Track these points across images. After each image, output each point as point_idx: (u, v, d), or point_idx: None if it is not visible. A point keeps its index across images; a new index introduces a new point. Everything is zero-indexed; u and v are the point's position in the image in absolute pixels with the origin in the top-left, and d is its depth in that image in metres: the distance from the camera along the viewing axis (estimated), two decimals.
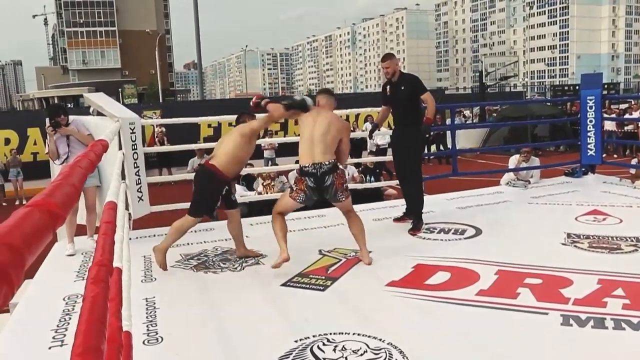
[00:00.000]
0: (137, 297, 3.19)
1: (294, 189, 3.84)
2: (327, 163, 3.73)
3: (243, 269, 3.91)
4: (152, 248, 3.93)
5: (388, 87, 4.98)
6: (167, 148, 9.43)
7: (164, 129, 12.86)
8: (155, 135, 12.98)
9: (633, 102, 15.76)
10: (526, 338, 2.69)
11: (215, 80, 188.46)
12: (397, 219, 5.04)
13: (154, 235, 4.92)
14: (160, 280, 3.69)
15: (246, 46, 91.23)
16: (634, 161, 7.69)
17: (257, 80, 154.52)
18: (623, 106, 17.06)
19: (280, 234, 3.79)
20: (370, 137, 5.71)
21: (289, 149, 12.14)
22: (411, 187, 4.92)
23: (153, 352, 2.63)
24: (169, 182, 11.32)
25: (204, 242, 4.63)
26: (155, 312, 3.11)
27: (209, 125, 13.40)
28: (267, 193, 6.89)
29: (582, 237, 4.35)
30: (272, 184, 7.14)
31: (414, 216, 4.81)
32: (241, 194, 7.10)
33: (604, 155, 7.23)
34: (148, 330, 2.87)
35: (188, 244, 4.59)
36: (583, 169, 7.00)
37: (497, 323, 2.88)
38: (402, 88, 4.84)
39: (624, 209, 5.23)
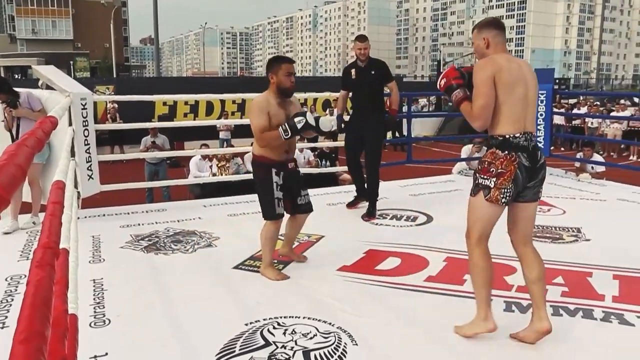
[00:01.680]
0: (84, 278, 3.13)
1: (490, 183, 2.43)
2: (535, 135, 2.57)
3: (195, 251, 3.88)
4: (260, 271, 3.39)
5: (353, 70, 4.84)
6: (121, 126, 9.19)
7: (116, 105, 12.52)
8: (108, 111, 12.62)
9: (581, 98, 16.34)
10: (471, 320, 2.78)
11: (172, 57, 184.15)
12: (350, 204, 5.08)
13: (104, 215, 4.83)
14: (109, 262, 3.62)
15: (205, 24, 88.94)
16: (579, 155, 7.99)
17: (216, 59, 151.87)
18: (572, 101, 17.65)
19: (485, 286, 2.56)
20: (342, 131, 5.16)
21: (245, 130, 12.13)
22: (373, 173, 4.89)
23: (100, 334, 2.59)
24: (121, 160, 11.10)
25: (156, 222, 4.56)
26: (103, 294, 3.06)
27: (164, 103, 13.10)
28: (221, 174, 6.83)
29: None
30: (227, 165, 7.08)
31: (369, 202, 4.86)
32: (195, 174, 7.03)
33: (552, 148, 7.48)
34: (95, 312, 2.82)
35: (139, 224, 4.53)
36: None
37: (444, 309, 2.96)
38: (372, 72, 4.77)
39: (567, 201, 5.45)
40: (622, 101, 17.84)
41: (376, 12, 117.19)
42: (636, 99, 17.82)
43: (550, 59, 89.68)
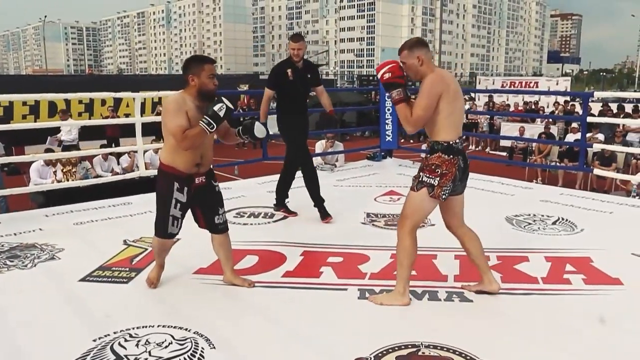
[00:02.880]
0: None
1: (434, 182, 2.80)
2: None
3: (35, 265, 3.54)
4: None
5: (289, 70, 4.56)
6: None
7: None
8: None
9: None
10: (328, 314, 2.85)
11: (7, 52, 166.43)
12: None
13: None
14: None
15: (45, 16, 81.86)
16: (424, 146, 8.61)
17: (60, 55, 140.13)
18: None
19: (409, 267, 2.90)
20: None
21: (94, 133, 11.30)
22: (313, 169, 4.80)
23: None
24: None
25: None
26: None
27: None
28: (67, 180, 6.31)
29: (379, 216, 4.74)
30: (74, 170, 6.56)
31: (321, 203, 4.70)
32: (35, 181, 6.43)
33: (402, 140, 7.96)
34: None
35: None
36: (382, 154, 7.64)
37: (302, 302, 3.01)
38: (309, 76, 4.64)
39: None
40: None
41: (231, 10, 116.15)
42: (472, 94, 19.61)
43: (399, 57, 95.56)
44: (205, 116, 2.79)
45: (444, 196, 2.82)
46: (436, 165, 2.80)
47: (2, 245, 3.92)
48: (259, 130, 3.03)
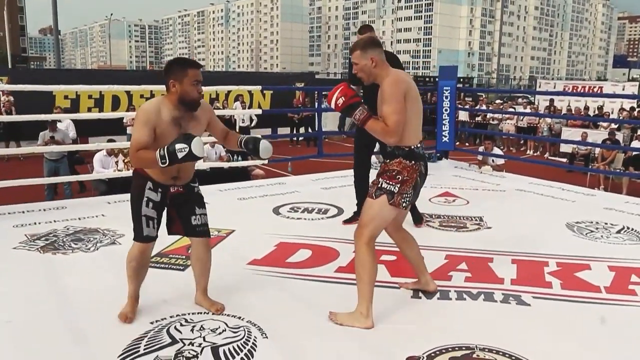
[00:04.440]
0: None
1: (394, 189, 2.61)
2: None
3: (97, 249, 3.68)
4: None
5: None
6: (14, 118, 8.55)
7: (12, 98, 11.65)
8: (2, 104, 11.73)
9: (484, 96, 17.25)
10: (380, 311, 2.81)
11: (75, 49, 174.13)
12: (349, 221, 4.49)
13: None
14: None
15: (111, 14, 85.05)
16: (481, 149, 8.42)
17: (123, 52, 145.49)
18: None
19: (370, 283, 2.66)
20: None
21: None
22: None
23: None
24: (17, 156, 10.37)
25: (54, 221, 4.29)
26: None
27: (66, 97, 12.35)
28: (128, 170, 6.52)
29: (433, 216, 4.67)
30: None
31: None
32: (98, 171, 6.68)
33: (457, 142, 7.82)
34: None
35: (35, 223, 4.24)
36: (438, 154, 7.52)
37: (354, 298, 2.97)
38: None
39: (470, 192, 5.71)
40: (519, 100, 19.08)
41: (289, 9, 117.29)
42: (531, 98, 19.09)
43: (456, 59, 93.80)
44: (163, 148, 2.40)
45: (404, 204, 2.64)
46: (397, 172, 2.63)
47: (68, 229, 4.10)
48: (264, 151, 2.71)
